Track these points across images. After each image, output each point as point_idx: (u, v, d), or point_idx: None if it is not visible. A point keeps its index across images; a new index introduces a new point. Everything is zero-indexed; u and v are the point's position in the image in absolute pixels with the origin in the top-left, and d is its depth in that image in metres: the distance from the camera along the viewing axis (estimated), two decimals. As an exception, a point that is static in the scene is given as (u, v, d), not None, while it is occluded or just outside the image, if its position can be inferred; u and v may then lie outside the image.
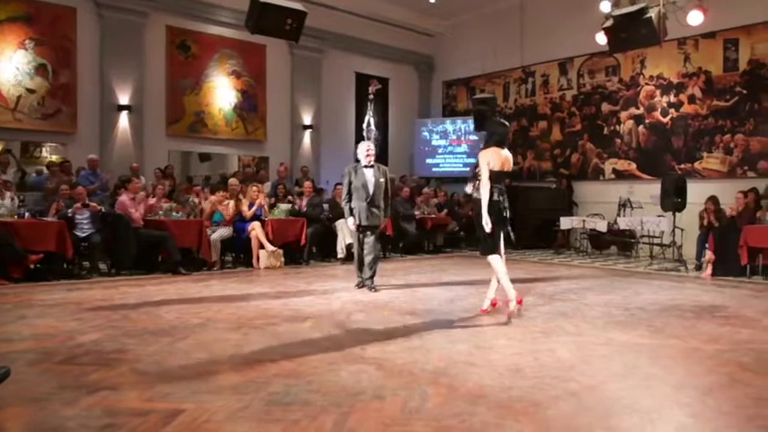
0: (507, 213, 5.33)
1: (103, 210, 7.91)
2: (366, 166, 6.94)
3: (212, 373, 3.53)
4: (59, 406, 2.95)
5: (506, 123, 5.56)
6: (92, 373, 3.49)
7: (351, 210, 6.87)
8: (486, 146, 5.28)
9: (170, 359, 3.81)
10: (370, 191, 6.82)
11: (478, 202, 5.20)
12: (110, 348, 4.06)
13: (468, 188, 5.40)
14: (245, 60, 12.40)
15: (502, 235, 5.34)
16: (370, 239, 6.85)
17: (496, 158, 5.18)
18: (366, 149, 7.00)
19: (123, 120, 10.75)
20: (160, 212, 8.39)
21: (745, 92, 10.43)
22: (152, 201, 8.48)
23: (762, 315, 5.58)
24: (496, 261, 5.26)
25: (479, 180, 5.20)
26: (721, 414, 2.95)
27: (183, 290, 6.69)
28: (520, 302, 5.20)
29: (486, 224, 5.11)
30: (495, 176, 5.17)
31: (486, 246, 5.25)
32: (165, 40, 11.35)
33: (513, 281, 5.34)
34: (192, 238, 8.29)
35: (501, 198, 5.24)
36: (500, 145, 5.26)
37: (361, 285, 6.89)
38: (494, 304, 5.53)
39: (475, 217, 5.35)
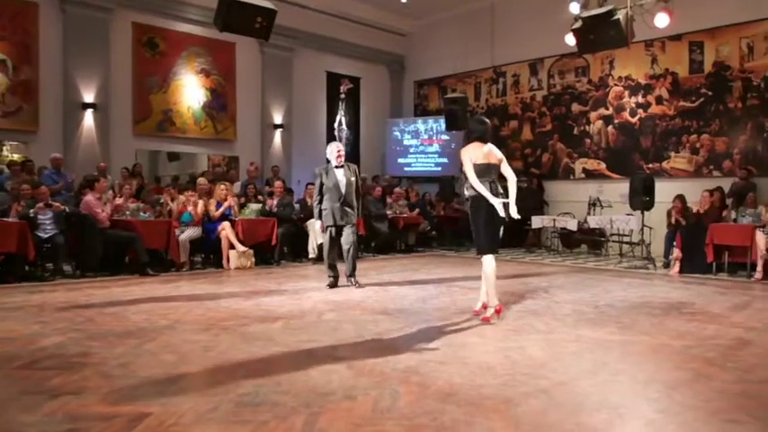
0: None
1: (67, 210, 7.71)
2: (337, 167, 6.96)
3: (180, 375, 3.46)
4: (19, 412, 2.85)
5: (486, 120, 5.49)
6: (54, 377, 3.38)
7: (320, 212, 6.90)
8: (466, 143, 5.22)
9: (136, 362, 3.72)
10: (343, 191, 6.85)
11: (472, 199, 5.06)
12: (73, 352, 3.95)
13: (465, 190, 5.23)
14: (214, 58, 12.23)
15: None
16: (347, 232, 6.91)
17: (477, 152, 5.06)
18: (336, 150, 7.03)
19: (88, 118, 10.52)
20: (127, 213, 8.22)
21: (710, 93, 10.65)
22: (118, 200, 8.29)
23: (727, 311, 5.68)
24: (488, 262, 5.08)
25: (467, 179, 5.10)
26: (688, 408, 2.98)
27: (151, 291, 6.56)
28: (499, 311, 5.08)
29: (499, 207, 4.90)
30: (482, 170, 5.02)
31: (483, 244, 5.11)
32: (131, 36, 11.12)
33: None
34: (161, 239, 8.14)
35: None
36: (480, 141, 5.15)
37: (333, 285, 6.87)
38: (485, 307, 5.20)
39: (471, 215, 5.16)
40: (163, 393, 3.12)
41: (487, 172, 5.06)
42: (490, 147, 5.16)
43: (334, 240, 6.98)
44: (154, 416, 2.79)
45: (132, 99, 11.19)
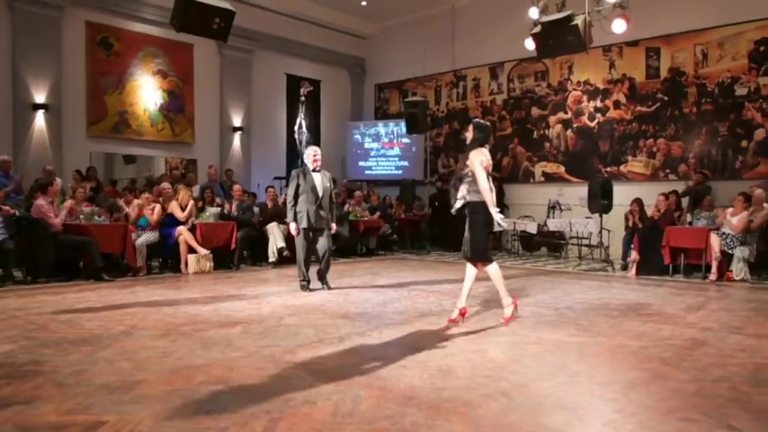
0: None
1: (18, 213, 7.46)
2: (314, 170, 6.98)
3: (137, 382, 3.38)
4: (-34, 423, 2.74)
5: (487, 124, 5.55)
6: (3, 386, 3.27)
7: (295, 214, 6.83)
8: (473, 147, 5.13)
9: (91, 369, 3.62)
10: (320, 194, 6.88)
11: (474, 204, 5.02)
12: (24, 360, 3.82)
13: (462, 192, 5.11)
14: (171, 59, 12.03)
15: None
16: (323, 239, 6.95)
17: (485, 158, 5.05)
18: (314, 155, 7.03)
19: (39, 119, 10.23)
20: (81, 217, 8.00)
21: (666, 98, 10.98)
22: (68, 203, 8.00)
23: (683, 312, 5.82)
24: (495, 268, 5.13)
25: (469, 181, 5.05)
26: (644, 408, 3.05)
27: (107, 297, 6.41)
28: (516, 306, 5.22)
29: (500, 222, 4.95)
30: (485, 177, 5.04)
31: (480, 251, 5.10)
32: (84, 36, 10.85)
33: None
34: (116, 243, 7.96)
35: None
36: (483, 146, 5.16)
37: (305, 288, 6.89)
38: (463, 313, 5.20)
39: (470, 221, 5.08)
40: (118, 401, 3.04)
41: (488, 179, 5.06)
42: (488, 153, 5.16)
43: (309, 244, 6.93)
44: (109, 424, 2.73)
45: (86, 100, 10.93)
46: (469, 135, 5.21)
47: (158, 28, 11.53)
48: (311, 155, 7.03)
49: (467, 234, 5.12)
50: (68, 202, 7.93)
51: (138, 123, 11.60)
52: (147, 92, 11.71)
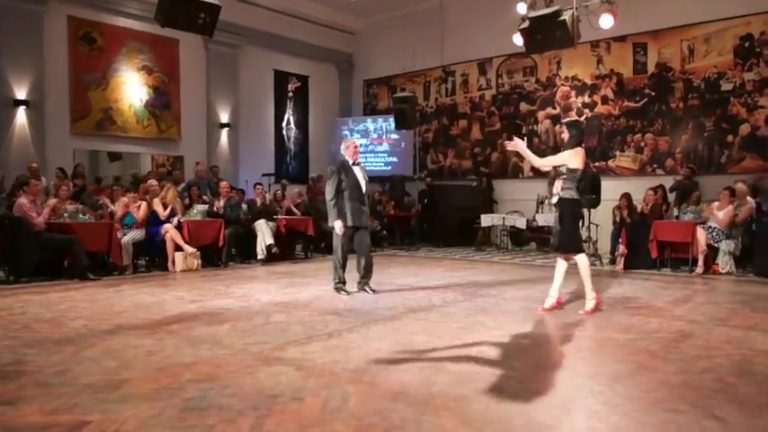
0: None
1: (-1, 212, 7.36)
2: (354, 164, 6.50)
3: (122, 381, 3.33)
4: (-54, 425, 2.68)
5: (582, 121, 5.68)
6: (-14, 387, 3.21)
7: (338, 211, 6.31)
8: (572, 146, 5.34)
9: (75, 369, 3.56)
10: (363, 189, 6.45)
11: (566, 200, 5.28)
12: (7, 360, 3.76)
13: (556, 188, 5.36)
14: (156, 55, 11.91)
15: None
16: (365, 237, 6.51)
17: (581, 158, 5.29)
18: (354, 146, 6.55)
19: (21, 116, 10.08)
20: (65, 215, 7.90)
21: (653, 94, 11.02)
22: (52, 201, 7.87)
23: (670, 305, 5.86)
24: (584, 260, 5.39)
25: (564, 178, 5.28)
26: (630, 400, 3.06)
27: (92, 296, 6.32)
28: (598, 305, 5.41)
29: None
30: (580, 175, 5.30)
31: (570, 243, 5.40)
32: (66, 30, 10.69)
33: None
34: (102, 242, 7.88)
35: (580, 196, 5.42)
36: (580, 144, 5.38)
37: (341, 289, 6.47)
38: (558, 303, 5.55)
39: (566, 215, 5.35)
40: (104, 400, 2.99)
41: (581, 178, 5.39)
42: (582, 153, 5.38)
43: (348, 242, 6.49)
44: (94, 423, 2.68)
45: (69, 96, 10.77)
46: (565, 134, 5.47)
47: (143, 23, 11.39)
48: (351, 147, 6.52)
49: (557, 226, 5.45)
50: (51, 201, 7.82)
51: (123, 120, 11.47)
52: (131, 88, 11.58)
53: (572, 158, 5.26)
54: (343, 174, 6.38)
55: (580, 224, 5.63)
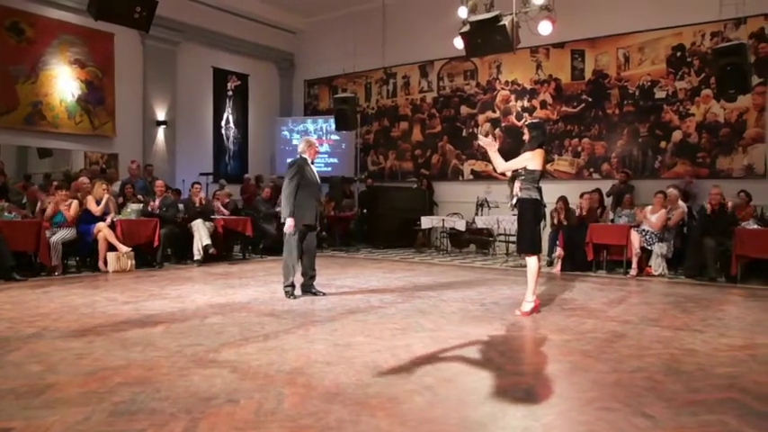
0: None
1: None
2: (312, 163, 6.44)
3: (48, 385, 3.22)
4: None
5: (544, 123, 5.76)
6: None
7: (298, 208, 6.14)
8: (532, 147, 5.42)
9: (-3, 374, 3.42)
10: (319, 189, 6.49)
11: (524, 201, 5.39)
12: None
13: (515, 189, 5.46)
14: (90, 48, 11.49)
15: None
16: (314, 239, 6.41)
17: (540, 159, 5.38)
18: (317, 146, 6.52)
19: (-58, 109, 9.57)
20: (-12, 213, 7.55)
21: (590, 99, 11.40)
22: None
23: (605, 306, 6.05)
24: (534, 262, 5.46)
25: (521, 179, 5.39)
26: (565, 399, 3.16)
27: (17, 297, 6.07)
28: (536, 308, 5.51)
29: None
30: (539, 176, 5.41)
31: (526, 244, 5.49)
32: (-8, 20, 10.21)
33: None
34: (29, 241, 7.56)
35: (541, 197, 5.47)
36: (542, 146, 5.46)
37: (291, 293, 6.23)
38: (536, 305, 5.59)
39: (524, 216, 5.46)
40: (27, 406, 2.89)
41: (540, 179, 5.49)
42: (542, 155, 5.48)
43: (300, 243, 6.28)
44: (15, 431, 2.58)
45: (-5, 89, 10.27)
46: (526, 136, 5.57)
47: (76, 15, 10.97)
48: (314, 146, 6.45)
49: (521, 228, 5.58)
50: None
51: (54, 115, 11.02)
52: (63, 82, 11.14)
53: (531, 160, 5.39)
54: (303, 171, 6.28)
55: (541, 225, 5.69)
